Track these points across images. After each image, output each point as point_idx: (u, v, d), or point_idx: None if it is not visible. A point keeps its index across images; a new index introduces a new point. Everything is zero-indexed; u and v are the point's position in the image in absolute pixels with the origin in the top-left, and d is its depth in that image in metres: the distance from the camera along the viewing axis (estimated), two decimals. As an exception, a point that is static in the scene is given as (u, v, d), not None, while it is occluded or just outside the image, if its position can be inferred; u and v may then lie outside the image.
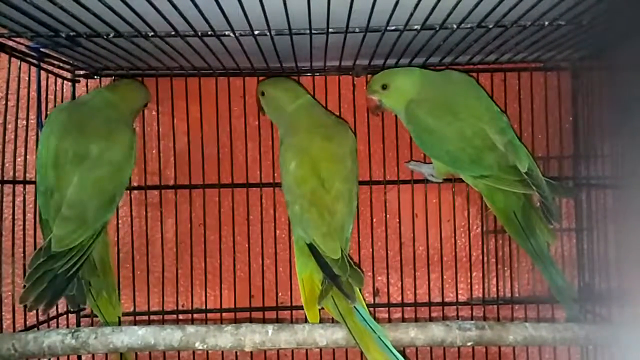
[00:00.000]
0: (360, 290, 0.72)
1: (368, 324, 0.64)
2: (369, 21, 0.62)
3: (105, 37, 0.64)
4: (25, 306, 0.71)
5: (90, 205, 0.71)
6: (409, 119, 0.78)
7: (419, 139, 0.79)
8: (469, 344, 0.63)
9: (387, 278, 0.90)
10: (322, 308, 0.72)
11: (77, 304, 0.73)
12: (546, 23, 0.63)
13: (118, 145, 0.75)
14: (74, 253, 0.70)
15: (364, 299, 0.90)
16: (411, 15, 0.59)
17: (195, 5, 0.53)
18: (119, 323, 0.79)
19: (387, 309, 0.91)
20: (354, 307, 0.67)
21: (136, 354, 0.88)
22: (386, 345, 0.62)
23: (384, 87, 0.78)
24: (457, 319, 0.89)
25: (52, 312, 0.81)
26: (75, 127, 0.73)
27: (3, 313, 0.71)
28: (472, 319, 0.88)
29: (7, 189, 0.73)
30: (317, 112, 0.80)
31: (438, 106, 0.76)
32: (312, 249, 0.71)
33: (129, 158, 0.77)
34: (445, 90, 0.77)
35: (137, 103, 0.82)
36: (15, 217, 0.74)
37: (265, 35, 0.64)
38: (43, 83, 0.79)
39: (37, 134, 0.77)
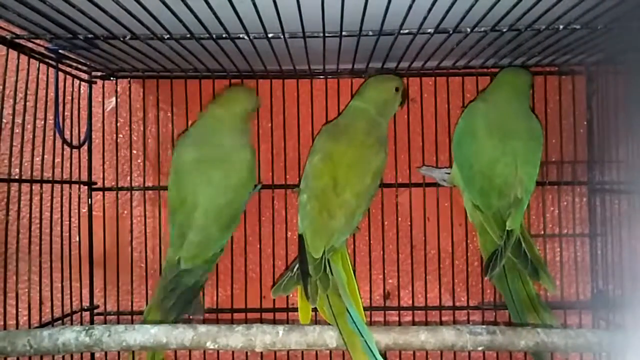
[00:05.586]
0: (360, 293, 0.72)
1: (357, 328, 0.65)
2: (382, 24, 0.62)
3: (121, 39, 0.65)
4: (40, 303, 0.72)
5: (212, 229, 0.75)
6: (468, 111, 0.79)
7: (459, 136, 0.79)
8: (479, 348, 0.63)
9: (398, 281, 0.90)
10: (315, 309, 0.73)
11: (192, 315, 0.79)
12: (561, 27, 0.63)
13: (237, 171, 0.77)
14: (200, 269, 0.76)
15: (374, 302, 0.90)
16: (424, 18, 0.59)
17: (210, 8, 0.54)
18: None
19: (397, 312, 0.90)
20: (347, 310, 0.67)
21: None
22: (372, 352, 0.63)
23: None
24: (468, 323, 0.88)
25: (67, 309, 0.82)
26: (202, 154, 0.76)
27: (19, 310, 0.72)
28: (483, 324, 0.87)
29: (25, 188, 0.74)
30: (366, 118, 0.79)
31: (497, 126, 0.75)
32: (300, 240, 0.73)
33: (248, 182, 0.79)
34: (513, 117, 0.77)
35: (244, 110, 0.81)
36: (32, 215, 0.75)
37: (279, 38, 0.65)
38: (61, 84, 0.81)
39: (54, 134, 0.79)
